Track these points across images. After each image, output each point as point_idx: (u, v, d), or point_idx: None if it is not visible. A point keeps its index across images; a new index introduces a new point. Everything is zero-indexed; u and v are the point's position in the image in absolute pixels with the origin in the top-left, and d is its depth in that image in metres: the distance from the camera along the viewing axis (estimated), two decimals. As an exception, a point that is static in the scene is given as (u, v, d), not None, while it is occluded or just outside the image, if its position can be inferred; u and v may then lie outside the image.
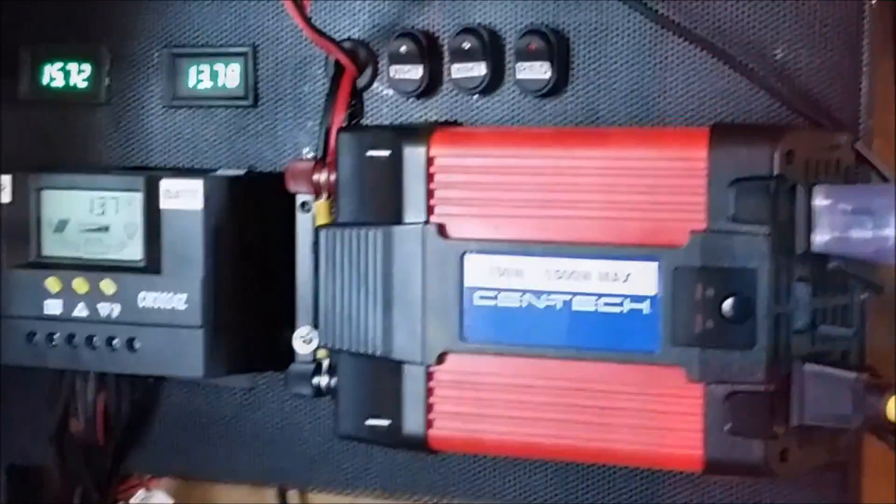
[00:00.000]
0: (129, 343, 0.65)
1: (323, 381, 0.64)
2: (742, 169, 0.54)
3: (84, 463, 0.71)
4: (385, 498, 0.71)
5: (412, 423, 0.60)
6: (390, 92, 0.67)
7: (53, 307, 0.66)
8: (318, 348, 0.63)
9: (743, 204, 0.54)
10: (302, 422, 0.70)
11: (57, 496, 0.75)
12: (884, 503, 0.67)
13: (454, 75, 0.65)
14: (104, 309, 0.65)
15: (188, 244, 0.64)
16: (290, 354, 0.65)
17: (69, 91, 0.72)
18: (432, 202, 0.59)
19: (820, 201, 0.54)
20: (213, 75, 0.69)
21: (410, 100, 0.67)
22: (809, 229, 0.54)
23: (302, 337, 0.64)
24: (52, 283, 0.66)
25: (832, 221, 0.54)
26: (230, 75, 0.69)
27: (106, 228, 0.66)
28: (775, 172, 0.54)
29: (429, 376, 0.59)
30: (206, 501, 0.80)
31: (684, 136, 0.57)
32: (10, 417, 0.75)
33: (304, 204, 0.64)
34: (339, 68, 0.66)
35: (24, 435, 0.74)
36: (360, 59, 0.67)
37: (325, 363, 0.63)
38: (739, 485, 0.63)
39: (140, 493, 0.75)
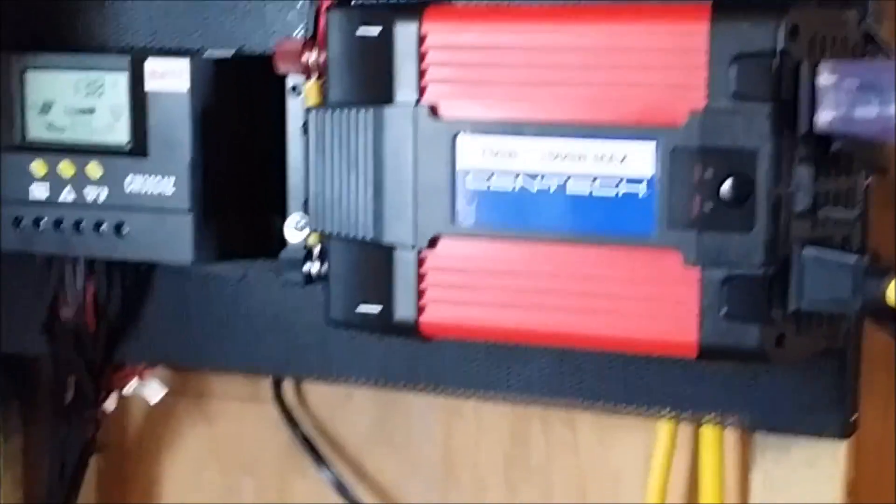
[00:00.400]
0: (117, 228, 0.64)
1: (314, 267, 0.63)
2: (744, 44, 0.52)
3: (76, 351, 0.71)
4: (379, 388, 0.70)
5: (403, 308, 0.59)
6: (384, -31, 0.65)
7: (40, 191, 0.65)
8: (309, 235, 0.62)
9: (744, 81, 0.52)
10: (295, 311, 0.69)
11: (51, 386, 0.74)
12: (882, 394, 0.67)
13: (449, -50, 0.62)
14: (91, 193, 0.64)
15: (175, 127, 0.63)
16: (282, 242, 0.64)
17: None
18: (424, 81, 0.57)
19: (825, 78, 0.52)
20: (201, -49, 0.67)
21: (404, -23, 0.64)
22: (813, 108, 0.52)
23: (293, 224, 0.63)
24: (38, 167, 0.65)
25: (837, 99, 0.52)
26: (217, -49, 0.67)
27: (91, 110, 0.64)
28: (779, 48, 0.52)
29: (420, 261, 0.58)
30: (202, 393, 0.80)
31: (685, 10, 0.54)
32: (2, 306, 0.74)
33: (294, 87, 0.63)
34: (329, -57, 0.64)
35: (16, 324, 0.74)
36: (351, -68, 0.64)
37: (316, 250, 0.62)
38: (735, 372, 0.62)
39: (134, 383, 0.75)
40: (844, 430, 0.61)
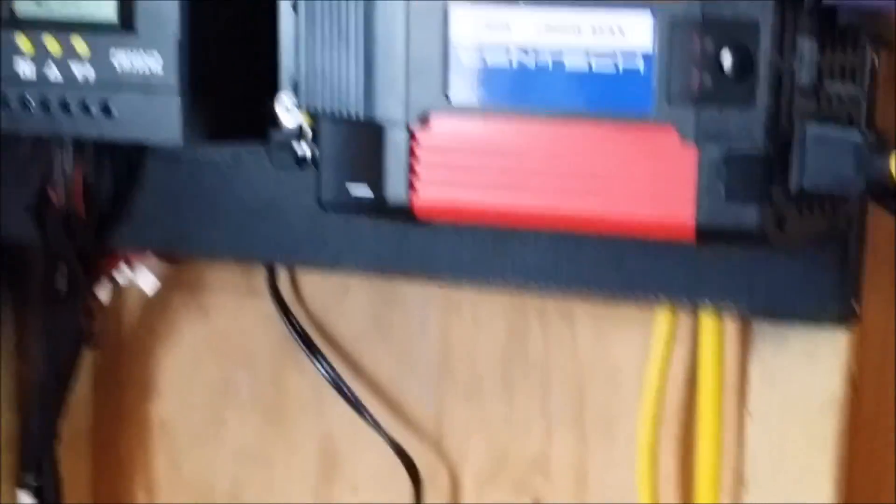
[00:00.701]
0: (105, 108, 0.62)
1: (306, 149, 0.61)
2: None
3: (65, 236, 0.70)
4: (373, 276, 0.69)
5: (395, 189, 0.57)
6: None
7: (26, 69, 0.63)
8: (302, 116, 0.61)
9: (748, -53, 0.50)
10: (289, 197, 0.68)
11: (42, 275, 0.73)
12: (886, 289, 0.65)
13: None
14: (78, 71, 0.62)
15: (164, 2, 0.61)
16: (276, 125, 0.62)
17: None
18: (417, -52, 0.55)
19: (832, -55, 0.50)
20: None
21: None
22: (819, -24, 0.51)
23: (285, 105, 0.62)
24: (24, 43, 0.63)
25: (843, -33, 0.50)
26: None
27: (78, -15, 0.63)
28: (785, -88, 0.50)
29: (412, 139, 0.57)
30: (197, 286, 0.79)
31: None
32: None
33: (288, -35, 0.61)
34: None
35: (5, 211, 0.73)
36: None
37: (308, 132, 0.61)
38: (734, 258, 0.60)
39: (126, 271, 0.74)
40: (845, 316, 0.59)
